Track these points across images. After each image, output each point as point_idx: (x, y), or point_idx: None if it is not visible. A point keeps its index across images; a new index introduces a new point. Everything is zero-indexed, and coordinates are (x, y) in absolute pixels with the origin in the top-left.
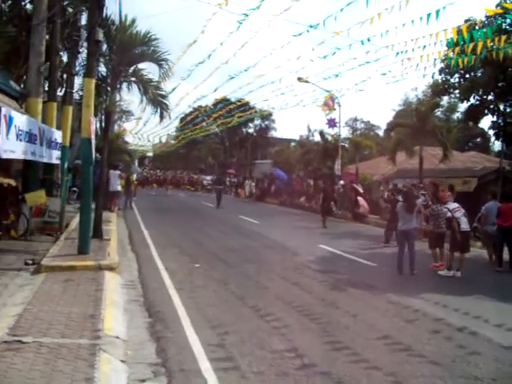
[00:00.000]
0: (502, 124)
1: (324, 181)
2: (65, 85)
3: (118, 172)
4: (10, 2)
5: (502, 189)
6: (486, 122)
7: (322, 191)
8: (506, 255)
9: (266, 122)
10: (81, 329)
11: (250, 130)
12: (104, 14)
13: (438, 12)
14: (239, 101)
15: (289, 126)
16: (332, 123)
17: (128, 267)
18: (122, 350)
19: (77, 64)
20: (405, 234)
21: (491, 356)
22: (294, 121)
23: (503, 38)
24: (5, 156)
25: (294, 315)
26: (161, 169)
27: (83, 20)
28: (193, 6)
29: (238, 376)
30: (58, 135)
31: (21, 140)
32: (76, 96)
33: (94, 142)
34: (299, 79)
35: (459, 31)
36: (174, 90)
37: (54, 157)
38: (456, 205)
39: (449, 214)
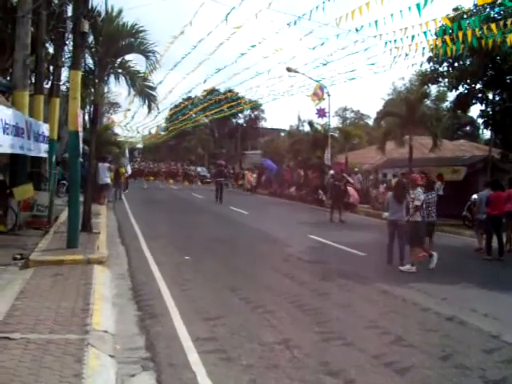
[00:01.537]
0: (490, 112)
1: (340, 172)
2: (51, 77)
3: (106, 164)
4: None
5: (490, 177)
6: (475, 111)
7: (332, 183)
8: (494, 243)
9: (256, 113)
10: (69, 324)
11: (240, 121)
12: (90, 6)
13: (426, 1)
14: (229, 91)
15: (279, 117)
16: (321, 113)
17: (117, 260)
18: (110, 344)
19: (63, 56)
20: (394, 224)
21: (480, 345)
22: (284, 111)
23: (492, 25)
24: None
25: (284, 306)
26: (153, 160)
27: (69, 11)
28: None
29: (228, 369)
30: (45, 128)
31: (8, 134)
32: (63, 88)
33: (81, 134)
34: (288, 69)
35: (449, 19)
36: (161, 82)
37: (42, 150)
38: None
39: (418, 203)
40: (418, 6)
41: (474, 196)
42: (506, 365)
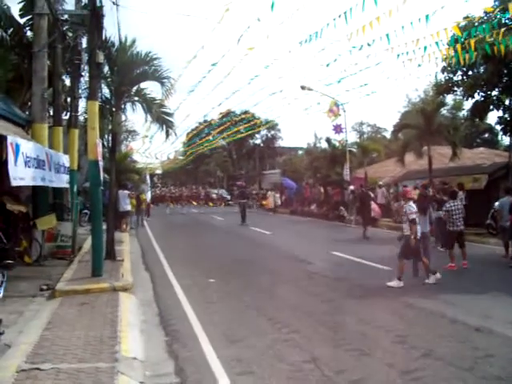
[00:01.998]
0: (508, 118)
1: (359, 187)
2: (69, 108)
3: (126, 192)
4: (11, 30)
5: None
6: (492, 117)
7: (359, 199)
8: None
9: (272, 132)
10: (98, 352)
11: (257, 141)
12: (104, 37)
13: (431, 14)
14: (244, 113)
15: (295, 135)
16: (338, 129)
17: (142, 287)
18: (140, 371)
19: (79, 87)
20: (421, 237)
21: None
22: (301, 129)
23: (502, 31)
24: (15, 183)
25: (310, 325)
26: (173, 185)
27: (83, 43)
28: (192, 23)
29: None
30: (65, 159)
31: (29, 166)
32: (81, 119)
33: (101, 163)
34: (302, 87)
35: (460, 28)
36: (177, 108)
37: (64, 181)
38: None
39: (413, 216)
40: (427, 16)
41: (497, 203)
42: None
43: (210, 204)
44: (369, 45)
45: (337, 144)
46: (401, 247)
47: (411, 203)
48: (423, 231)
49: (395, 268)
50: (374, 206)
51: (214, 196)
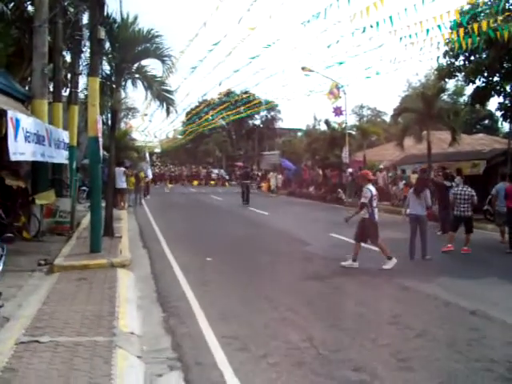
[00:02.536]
0: (509, 105)
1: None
2: (69, 85)
3: (122, 169)
4: (12, 4)
5: (511, 170)
6: (493, 104)
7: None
8: None
9: (272, 113)
10: (96, 326)
11: (257, 122)
12: (105, 13)
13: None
14: (245, 93)
15: (295, 116)
16: (338, 111)
17: (140, 264)
18: (137, 345)
19: (80, 63)
20: (415, 219)
21: (506, 338)
22: (301, 110)
23: (506, 15)
24: (14, 158)
25: (307, 305)
26: (172, 164)
27: (85, 19)
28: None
29: (254, 367)
30: (65, 135)
31: (29, 142)
32: (81, 95)
33: (101, 140)
34: (303, 68)
35: (462, 13)
36: (179, 87)
37: (63, 157)
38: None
39: (363, 199)
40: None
41: (494, 189)
42: None
43: (212, 183)
44: (371, 27)
45: (336, 126)
46: (358, 229)
47: (370, 186)
48: (420, 214)
49: (381, 251)
50: None
51: (214, 176)
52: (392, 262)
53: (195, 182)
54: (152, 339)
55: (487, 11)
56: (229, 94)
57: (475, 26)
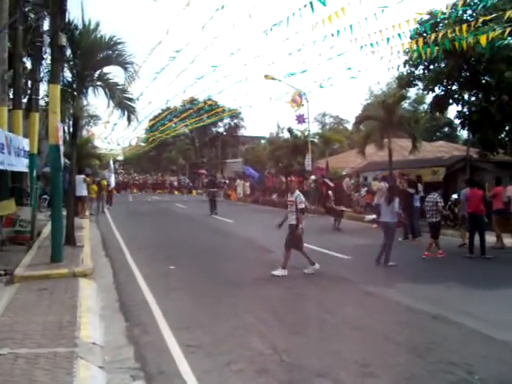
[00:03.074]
0: (467, 113)
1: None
2: (30, 92)
3: (82, 176)
4: None
5: (470, 176)
6: (452, 112)
7: (334, 190)
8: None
9: (235, 121)
10: (57, 337)
11: (220, 130)
12: (67, 19)
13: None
14: (208, 100)
15: (258, 124)
16: (301, 119)
17: (102, 273)
18: (99, 356)
19: (41, 70)
20: (384, 226)
21: (465, 341)
22: (264, 118)
23: (464, 27)
24: None
25: (270, 311)
26: (137, 172)
27: (46, 25)
28: (157, 8)
29: (218, 375)
30: (25, 143)
31: None
32: (42, 102)
33: (62, 148)
34: (266, 76)
35: (421, 22)
36: (141, 94)
37: (23, 165)
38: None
39: (302, 205)
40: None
41: (454, 196)
42: (490, 359)
43: (177, 192)
44: (332, 35)
45: (299, 134)
46: (287, 236)
47: (298, 192)
48: (388, 221)
49: (304, 256)
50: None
51: (179, 184)
52: (313, 268)
53: (160, 191)
54: (114, 349)
55: (446, 22)
56: (192, 101)
57: (433, 35)
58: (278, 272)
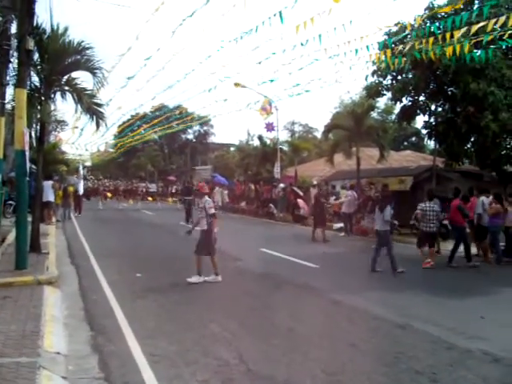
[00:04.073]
0: (433, 123)
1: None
2: None
3: (50, 182)
4: None
5: (436, 186)
6: (419, 122)
7: (314, 200)
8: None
9: (205, 128)
10: (20, 347)
11: (190, 136)
12: (35, 23)
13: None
14: (177, 107)
15: (228, 132)
16: (270, 127)
17: (68, 281)
18: (63, 365)
19: (7, 74)
20: (376, 233)
21: (431, 350)
22: (233, 126)
23: (431, 40)
24: None
25: (237, 321)
26: (106, 178)
27: (13, 29)
28: (126, 13)
29: None
30: None
31: None
32: (8, 107)
33: (28, 153)
34: (235, 84)
35: (389, 34)
36: (110, 100)
37: None
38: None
39: (213, 210)
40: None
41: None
42: (455, 367)
43: (150, 199)
44: (302, 44)
45: (268, 142)
46: (199, 242)
47: (206, 197)
48: (379, 229)
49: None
50: (302, 204)
51: (149, 191)
52: (215, 278)
53: (131, 200)
54: (78, 358)
55: (414, 33)
56: (162, 107)
57: (399, 47)
58: (194, 279)
